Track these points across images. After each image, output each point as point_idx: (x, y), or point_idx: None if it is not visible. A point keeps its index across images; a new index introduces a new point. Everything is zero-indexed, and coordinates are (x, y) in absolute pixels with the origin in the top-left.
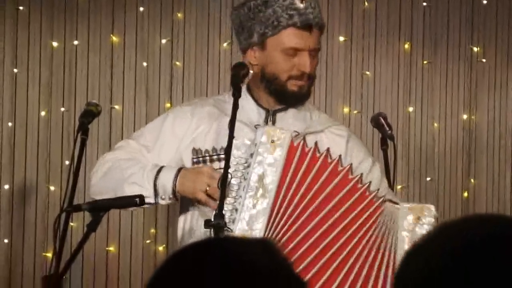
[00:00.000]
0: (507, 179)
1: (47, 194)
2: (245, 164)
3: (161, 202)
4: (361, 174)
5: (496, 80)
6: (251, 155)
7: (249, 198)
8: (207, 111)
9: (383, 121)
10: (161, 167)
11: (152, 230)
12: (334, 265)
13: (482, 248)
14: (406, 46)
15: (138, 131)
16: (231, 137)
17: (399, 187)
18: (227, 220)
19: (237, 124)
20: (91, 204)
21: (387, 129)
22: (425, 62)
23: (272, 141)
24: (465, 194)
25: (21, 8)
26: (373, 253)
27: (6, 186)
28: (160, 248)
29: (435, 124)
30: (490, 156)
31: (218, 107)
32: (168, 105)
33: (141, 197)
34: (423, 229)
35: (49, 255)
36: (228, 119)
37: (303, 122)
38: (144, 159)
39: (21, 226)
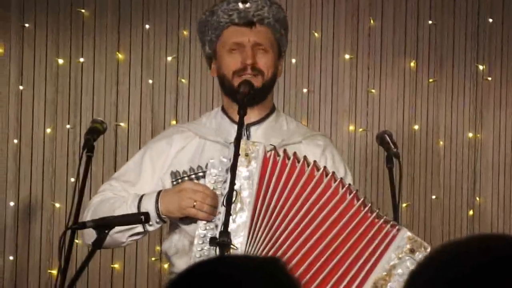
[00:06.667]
0: None
1: (52, 211)
2: (223, 181)
3: (150, 228)
4: (341, 178)
5: (502, 98)
6: (227, 170)
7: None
8: (182, 136)
9: (388, 139)
10: (142, 196)
11: (157, 247)
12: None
13: (487, 270)
14: (412, 64)
15: (118, 171)
16: (236, 154)
17: (404, 205)
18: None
19: (213, 144)
20: (96, 222)
21: (393, 147)
22: (430, 80)
23: (246, 155)
24: (470, 212)
25: (26, 25)
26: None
27: (12, 203)
28: (165, 266)
29: (441, 142)
30: (496, 174)
31: (193, 130)
32: (173, 122)
33: (146, 214)
34: (408, 262)
35: (54, 272)
36: (204, 141)
37: (279, 134)
38: (128, 194)
39: (26, 243)
